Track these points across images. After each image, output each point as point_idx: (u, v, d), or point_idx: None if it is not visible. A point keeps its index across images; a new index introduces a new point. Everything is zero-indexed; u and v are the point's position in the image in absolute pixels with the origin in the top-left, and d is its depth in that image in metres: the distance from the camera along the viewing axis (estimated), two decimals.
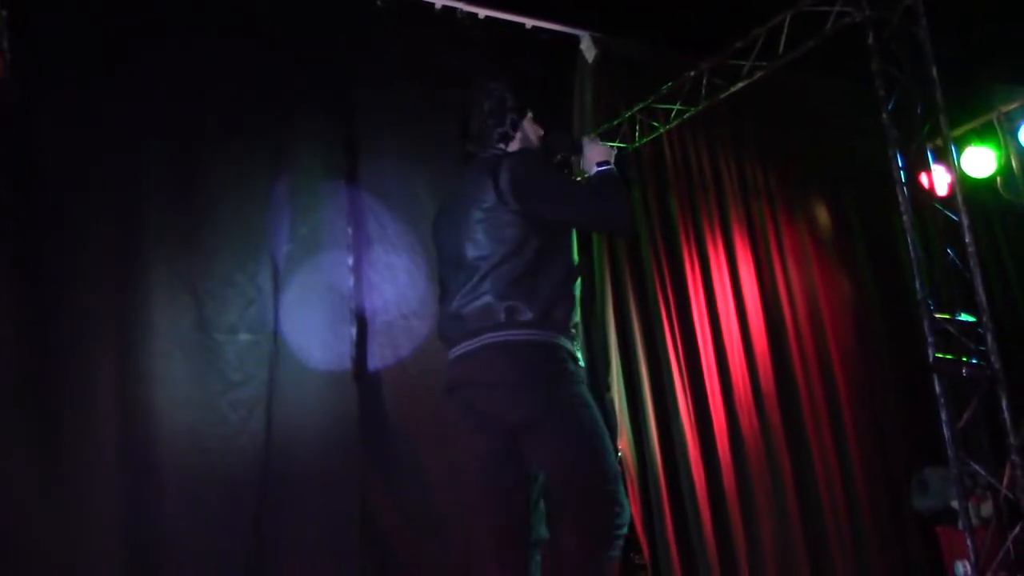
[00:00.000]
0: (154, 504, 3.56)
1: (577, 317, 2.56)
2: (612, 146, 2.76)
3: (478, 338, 2.47)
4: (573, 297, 2.55)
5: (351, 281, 4.14)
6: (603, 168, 2.62)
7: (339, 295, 4.10)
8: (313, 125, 4.24)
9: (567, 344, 2.49)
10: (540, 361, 2.45)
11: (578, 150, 2.78)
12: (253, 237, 3.98)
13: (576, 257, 2.62)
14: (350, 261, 4.16)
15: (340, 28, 4.36)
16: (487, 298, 2.46)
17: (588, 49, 5.01)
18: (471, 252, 2.52)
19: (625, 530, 2.41)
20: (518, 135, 2.71)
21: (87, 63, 3.76)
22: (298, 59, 4.23)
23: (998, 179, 5.28)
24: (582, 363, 2.54)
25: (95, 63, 3.77)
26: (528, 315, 2.44)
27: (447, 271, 2.66)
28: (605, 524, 2.37)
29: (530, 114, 2.77)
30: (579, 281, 2.59)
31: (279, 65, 4.18)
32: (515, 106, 2.72)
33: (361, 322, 4.14)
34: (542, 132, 2.81)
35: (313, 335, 3.98)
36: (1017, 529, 3.38)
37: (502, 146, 2.68)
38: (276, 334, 3.91)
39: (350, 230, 4.19)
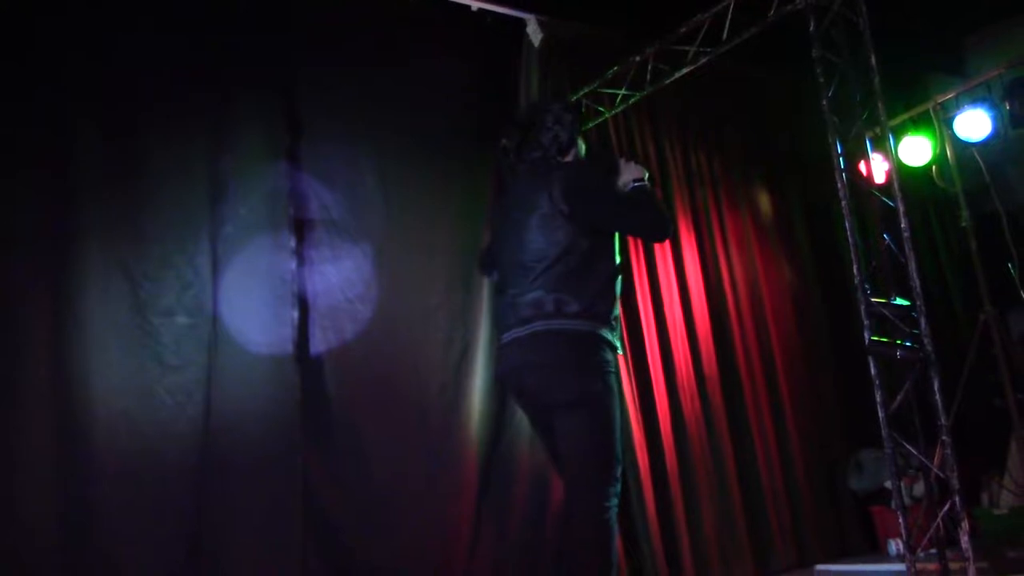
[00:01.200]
0: (89, 491, 3.46)
1: (617, 311, 2.87)
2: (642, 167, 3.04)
3: (529, 325, 2.81)
4: (615, 293, 2.87)
5: (293, 264, 4.06)
6: (639, 183, 2.94)
7: (280, 278, 4.02)
8: (254, 105, 4.14)
9: (607, 335, 2.80)
10: (582, 349, 2.76)
11: (616, 169, 3.04)
12: (191, 218, 3.88)
13: (619, 258, 2.92)
14: (292, 243, 4.09)
15: (282, 6, 4.27)
16: (539, 292, 2.80)
17: (534, 33, 4.98)
18: (528, 254, 2.87)
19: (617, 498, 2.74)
20: (572, 151, 3.06)
21: (19, 39, 3.62)
22: (239, 38, 4.13)
23: (933, 168, 5.40)
24: (621, 351, 2.86)
25: (28, 39, 3.63)
26: (574, 307, 2.76)
27: (505, 266, 3.01)
28: (604, 494, 2.72)
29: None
30: (620, 279, 2.91)
31: (220, 43, 4.07)
32: (579, 129, 3.10)
33: (304, 305, 4.08)
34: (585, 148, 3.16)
35: (254, 318, 3.90)
36: (947, 507, 3.47)
37: (559, 158, 3.02)
38: (215, 317, 3.82)
39: (292, 212, 4.12)
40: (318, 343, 4.08)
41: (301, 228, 4.15)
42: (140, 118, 3.85)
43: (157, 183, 3.83)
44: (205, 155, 3.97)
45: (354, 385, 4.13)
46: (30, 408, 3.43)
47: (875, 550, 5.33)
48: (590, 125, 4.83)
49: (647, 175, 3.01)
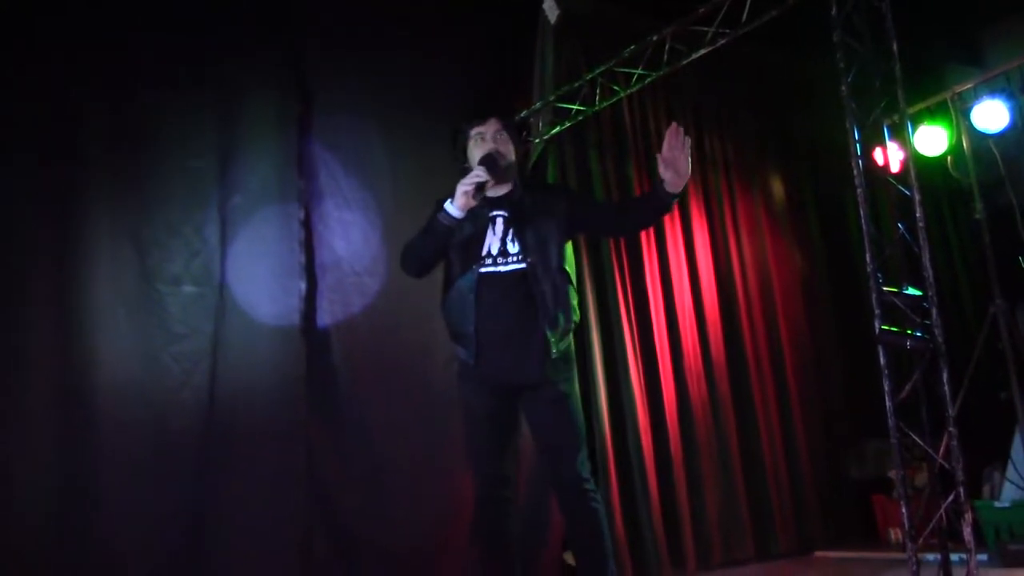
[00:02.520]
0: (94, 458, 3.48)
1: (457, 326, 2.97)
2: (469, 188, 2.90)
3: None
4: (446, 311, 3.03)
5: (301, 235, 4.05)
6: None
7: (289, 249, 4.02)
8: (265, 75, 4.12)
9: (455, 348, 3.03)
10: None
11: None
12: (200, 187, 3.87)
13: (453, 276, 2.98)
14: (301, 214, 4.07)
15: None
16: None
17: (550, 9, 4.91)
18: None
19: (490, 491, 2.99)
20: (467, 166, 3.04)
21: (32, 3, 3.58)
22: (251, 7, 4.10)
23: (948, 159, 5.34)
24: (467, 358, 2.95)
25: (39, 4, 3.60)
26: None
27: None
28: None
29: (471, 135, 3.03)
30: (450, 295, 2.98)
31: (231, 12, 4.04)
32: (462, 142, 3.07)
33: (311, 277, 4.07)
34: (490, 147, 2.98)
35: (261, 289, 3.90)
36: (950, 498, 3.46)
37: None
38: (222, 286, 3.82)
39: (301, 183, 4.10)
40: (325, 315, 4.07)
41: (310, 199, 4.14)
42: (149, 87, 3.82)
43: (166, 151, 3.82)
44: (215, 124, 3.95)
45: (360, 358, 4.13)
46: (36, 373, 3.43)
47: (874, 538, 5.33)
48: (604, 104, 4.78)
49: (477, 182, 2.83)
